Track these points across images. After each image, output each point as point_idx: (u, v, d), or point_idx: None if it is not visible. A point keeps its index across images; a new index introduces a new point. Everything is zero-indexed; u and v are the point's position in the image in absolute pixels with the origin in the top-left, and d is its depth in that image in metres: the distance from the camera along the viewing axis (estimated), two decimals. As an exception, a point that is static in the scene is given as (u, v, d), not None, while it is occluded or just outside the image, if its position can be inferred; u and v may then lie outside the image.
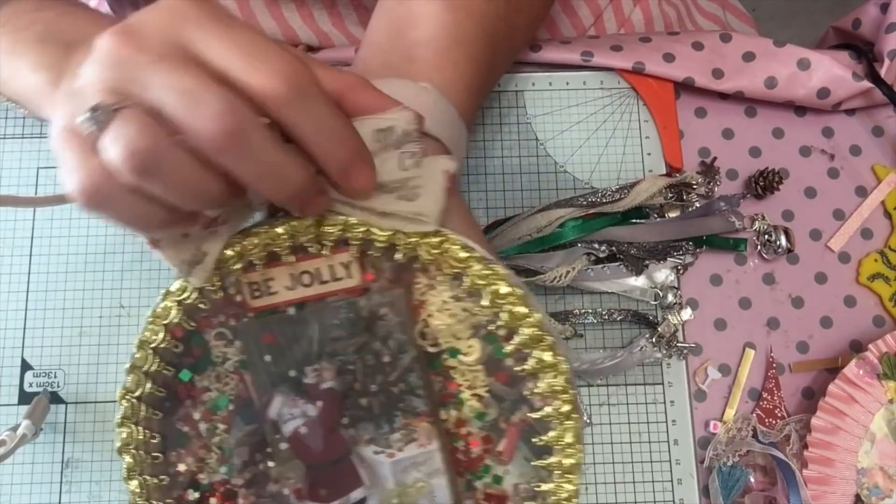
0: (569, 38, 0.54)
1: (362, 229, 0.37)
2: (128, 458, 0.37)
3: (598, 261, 0.49)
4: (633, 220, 0.49)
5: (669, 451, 0.48)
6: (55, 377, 0.47)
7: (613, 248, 0.48)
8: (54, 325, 0.48)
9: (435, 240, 0.37)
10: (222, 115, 0.28)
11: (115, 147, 0.28)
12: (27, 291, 0.48)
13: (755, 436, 0.48)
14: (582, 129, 0.53)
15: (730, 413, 0.49)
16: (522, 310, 0.37)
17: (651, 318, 0.49)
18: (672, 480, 0.47)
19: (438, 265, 0.38)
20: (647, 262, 0.49)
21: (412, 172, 0.36)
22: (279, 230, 0.37)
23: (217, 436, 0.39)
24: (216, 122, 0.28)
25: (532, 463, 0.39)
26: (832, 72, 0.51)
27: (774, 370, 0.49)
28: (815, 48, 0.53)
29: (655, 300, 0.49)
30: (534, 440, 0.38)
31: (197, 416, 0.39)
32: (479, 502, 0.39)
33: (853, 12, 0.57)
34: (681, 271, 0.50)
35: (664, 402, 0.48)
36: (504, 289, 0.37)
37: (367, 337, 0.39)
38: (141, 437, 0.38)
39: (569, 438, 0.37)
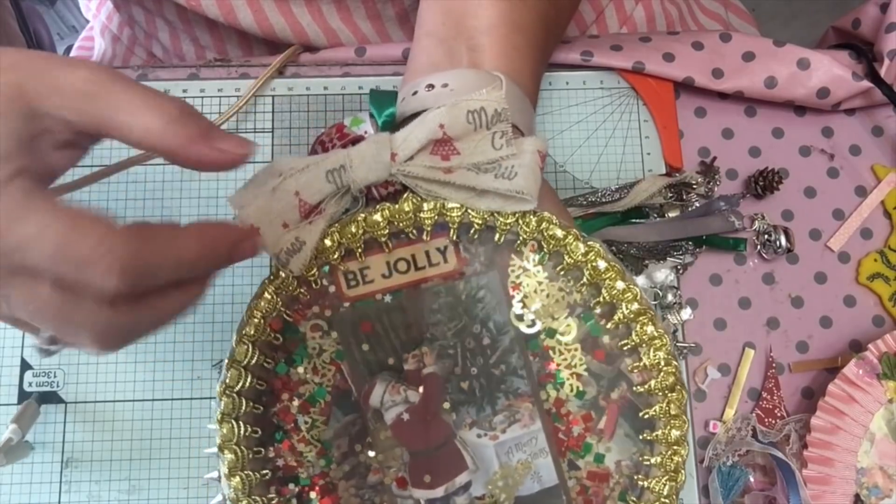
0: (569, 38, 0.54)
1: (459, 211, 0.38)
2: (229, 455, 0.37)
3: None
4: (633, 220, 0.49)
5: (669, 450, 0.48)
6: (55, 377, 0.47)
7: (613, 247, 0.48)
8: (54, 325, 0.48)
9: (533, 219, 0.38)
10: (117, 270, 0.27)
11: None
12: (27, 291, 0.48)
13: (755, 435, 0.48)
14: (581, 128, 0.53)
15: (729, 413, 0.49)
16: (622, 284, 0.38)
17: (651, 317, 0.49)
18: (671, 480, 0.47)
19: (535, 245, 0.39)
20: (646, 261, 0.49)
21: (505, 151, 0.37)
22: (377, 217, 0.38)
23: (315, 428, 0.39)
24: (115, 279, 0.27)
25: (638, 438, 0.39)
26: (832, 72, 0.51)
27: (774, 370, 0.49)
28: (815, 48, 0.53)
29: (655, 300, 0.49)
30: (640, 414, 0.39)
31: (294, 409, 0.39)
32: (582, 481, 0.39)
33: (853, 12, 0.57)
34: (680, 271, 0.50)
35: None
36: (603, 264, 0.38)
37: (466, 320, 0.39)
38: (242, 432, 0.38)
39: (674, 410, 0.38)
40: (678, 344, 0.48)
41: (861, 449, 0.47)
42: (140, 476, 0.46)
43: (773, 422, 0.48)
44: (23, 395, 0.47)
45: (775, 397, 0.49)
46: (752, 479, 0.48)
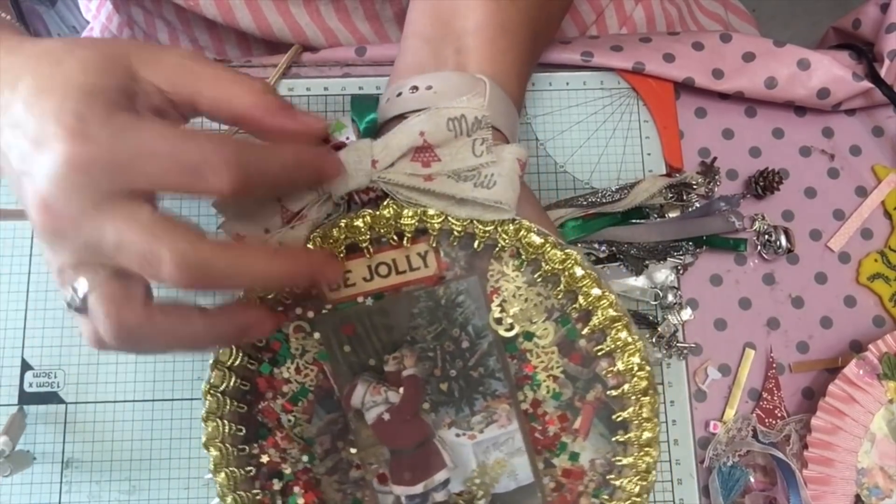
0: (569, 39, 0.54)
1: (440, 219, 0.38)
2: (214, 452, 0.38)
3: (598, 261, 0.49)
4: (633, 221, 0.49)
5: (669, 451, 0.48)
6: (55, 377, 0.47)
7: (613, 248, 0.48)
8: (54, 325, 0.48)
9: (511, 227, 0.39)
10: (180, 267, 0.29)
11: (101, 327, 0.31)
12: (27, 291, 0.49)
13: (755, 436, 0.48)
14: (582, 129, 0.53)
15: (730, 413, 0.49)
16: (598, 291, 0.39)
17: (651, 318, 0.49)
18: (672, 480, 0.47)
19: (514, 252, 0.39)
20: (647, 262, 0.49)
21: (485, 158, 0.37)
22: (359, 223, 0.39)
23: (298, 426, 0.40)
24: (177, 274, 0.29)
25: (611, 439, 0.40)
26: (832, 72, 0.51)
27: (774, 370, 0.49)
28: (816, 48, 0.53)
29: (655, 300, 0.49)
30: (613, 417, 0.40)
31: (278, 407, 0.40)
32: (557, 479, 0.40)
33: (853, 12, 0.57)
34: (681, 271, 0.50)
35: (664, 402, 0.48)
36: (580, 271, 0.38)
37: (445, 324, 0.40)
38: (227, 430, 0.39)
39: (646, 413, 0.39)
40: (678, 344, 0.49)
41: (861, 449, 0.47)
42: (140, 476, 0.46)
43: (774, 422, 0.48)
44: (23, 395, 0.47)
45: (776, 397, 0.49)
46: (752, 480, 0.48)
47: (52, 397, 0.47)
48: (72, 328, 0.48)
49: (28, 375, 0.47)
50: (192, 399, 0.47)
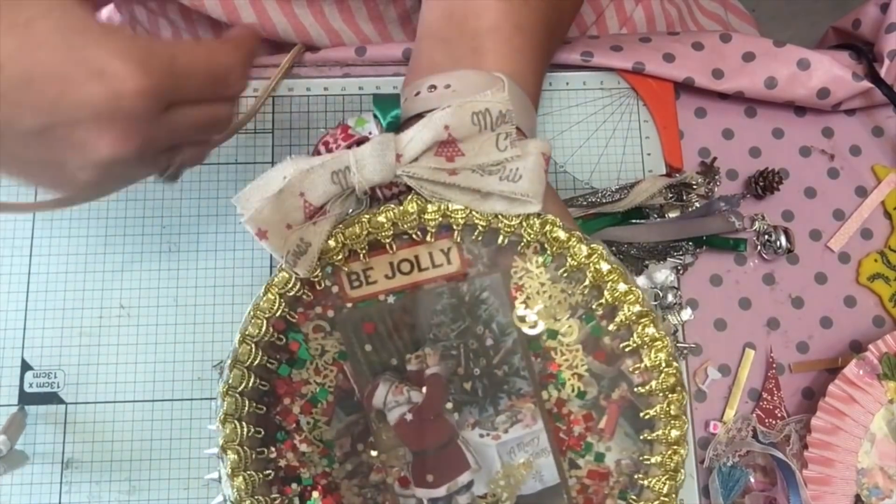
0: (569, 38, 0.54)
1: (463, 213, 0.38)
2: (232, 456, 0.38)
3: (598, 261, 0.49)
4: (633, 221, 0.49)
5: (669, 451, 0.48)
6: (55, 377, 0.47)
7: (613, 248, 0.48)
8: (54, 325, 0.48)
9: (536, 221, 0.38)
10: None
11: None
12: (27, 291, 0.49)
13: (755, 436, 0.48)
14: (582, 129, 0.53)
15: (730, 413, 0.49)
16: (624, 286, 0.38)
17: (651, 318, 0.49)
18: (672, 481, 0.47)
19: (538, 248, 0.39)
20: (646, 262, 0.49)
21: (509, 153, 0.37)
22: (381, 219, 0.38)
23: (318, 428, 0.39)
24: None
25: (638, 438, 0.39)
26: (832, 72, 0.51)
27: (774, 370, 0.49)
28: (815, 48, 0.53)
29: (655, 300, 0.49)
30: (640, 415, 0.39)
31: (296, 410, 0.39)
32: (582, 480, 0.40)
33: (853, 12, 0.57)
34: (681, 271, 0.50)
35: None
36: (606, 266, 0.38)
37: (469, 321, 0.40)
38: (245, 432, 0.38)
39: (674, 410, 0.38)
40: (678, 344, 0.49)
41: (861, 449, 0.47)
42: (140, 477, 0.46)
43: (774, 422, 0.48)
44: (23, 395, 0.47)
45: (776, 398, 0.49)
46: (752, 480, 0.48)
47: (51, 397, 0.47)
48: (71, 328, 0.48)
49: (28, 375, 0.47)
50: (191, 399, 0.47)
